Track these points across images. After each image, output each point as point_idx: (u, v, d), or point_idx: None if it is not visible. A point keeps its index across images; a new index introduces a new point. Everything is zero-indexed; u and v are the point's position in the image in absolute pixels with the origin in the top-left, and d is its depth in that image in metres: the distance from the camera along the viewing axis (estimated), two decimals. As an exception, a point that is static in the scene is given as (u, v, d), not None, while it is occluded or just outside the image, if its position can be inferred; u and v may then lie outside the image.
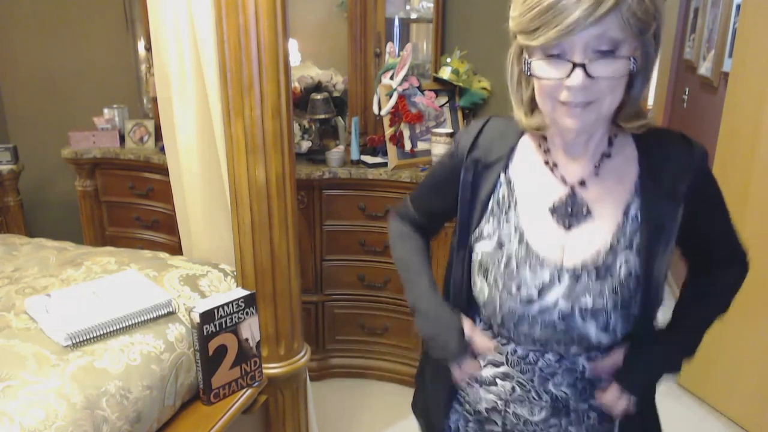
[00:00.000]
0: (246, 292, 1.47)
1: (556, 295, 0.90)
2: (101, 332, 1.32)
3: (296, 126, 2.58)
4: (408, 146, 2.42)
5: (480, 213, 0.97)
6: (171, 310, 1.46)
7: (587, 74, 0.78)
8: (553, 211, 0.93)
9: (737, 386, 2.37)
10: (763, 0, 2.16)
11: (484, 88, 2.61)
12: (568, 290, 0.90)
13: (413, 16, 2.72)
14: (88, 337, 1.30)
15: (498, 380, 1.01)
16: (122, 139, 2.84)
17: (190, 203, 1.88)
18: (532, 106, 0.92)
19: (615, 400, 0.94)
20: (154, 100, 2.58)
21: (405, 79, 2.35)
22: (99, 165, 2.79)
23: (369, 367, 2.64)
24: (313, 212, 2.45)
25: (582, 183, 0.92)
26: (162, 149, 2.37)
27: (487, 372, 1.02)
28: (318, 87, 2.63)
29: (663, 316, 1.03)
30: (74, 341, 1.28)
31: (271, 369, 1.60)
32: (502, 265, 0.93)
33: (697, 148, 0.92)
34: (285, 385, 1.64)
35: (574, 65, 0.78)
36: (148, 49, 2.79)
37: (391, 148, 2.40)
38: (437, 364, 1.08)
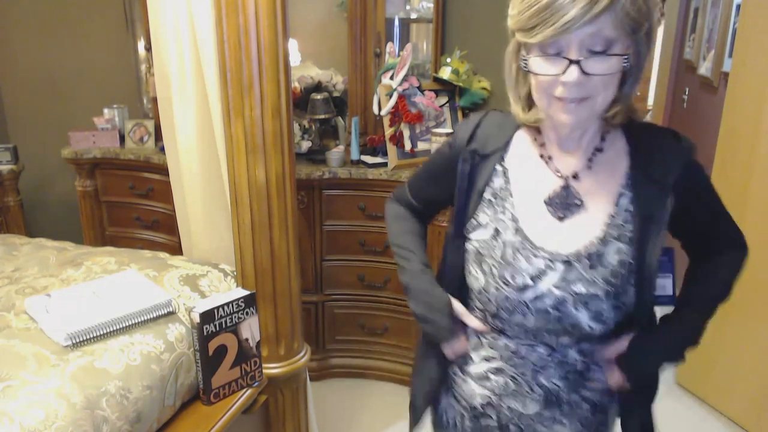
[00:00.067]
0: (246, 292, 1.47)
1: (549, 283, 0.93)
2: (101, 332, 1.32)
3: (296, 126, 2.58)
4: (408, 146, 2.42)
5: (476, 203, 1.00)
6: (171, 310, 1.46)
7: (582, 71, 0.81)
8: (548, 202, 0.96)
9: (737, 386, 2.37)
10: (763, 0, 2.16)
11: (484, 88, 2.61)
12: (561, 278, 0.92)
13: (413, 16, 2.72)
14: (88, 337, 1.30)
15: (491, 375, 1.03)
16: (122, 139, 2.84)
17: (190, 203, 1.88)
18: (529, 102, 0.95)
19: (615, 384, 0.98)
20: (154, 100, 2.58)
21: (405, 79, 2.35)
22: (99, 165, 2.79)
23: (369, 367, 2.64)
24: (313, 212, 2.45)
25: (575, 176, 0.96)
26: (162, 149, 2.37)
27: (480, 367, 1.05)
28: (318, 87, 2.63)
29: (661, 311, 1.04)
30: (74, 341, 1.28)
31: (271, 369, 1.60)
32: (498, 254, 0.96)
33: (685, 142, 0.95)
34: (285, 385, 1.64)
35: (570, 62, 0.82)
36: (148, 49, 2.79)
37: (391, 148, 2.40)
38: (427, 350, 1.12)
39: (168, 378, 1.36)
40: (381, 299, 2.54)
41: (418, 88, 2.41)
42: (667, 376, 2.68)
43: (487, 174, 1.00)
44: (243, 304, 1.45)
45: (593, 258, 0.92)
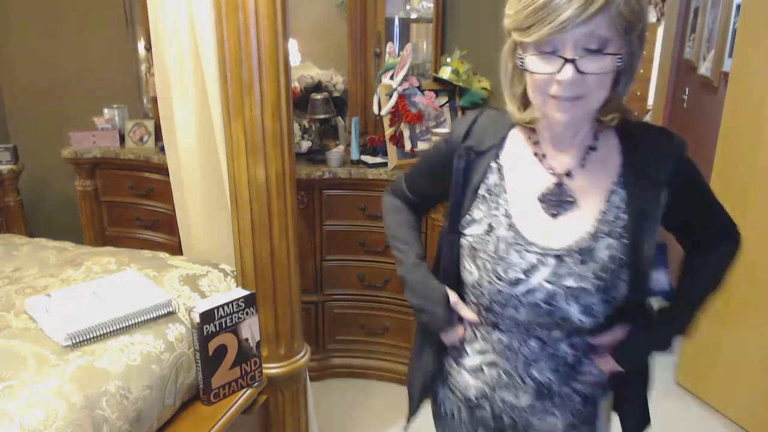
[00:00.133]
0: (246, 292, 1.47)
1: (541, 277, 0.95)
2: (101, 332, 1.32)
3: (296, 126, 2.58)
4: (408, 146, 2.42)
5: (471, 198, 1.02)
6: (171, 310, 1.46)
7: (577, 70, 0.83)
8: (542, 199, 0.98)
9: (737, 386, 2.37)
10: (763, 0, 2.16)
11: (484, 88, 2.61)
12: (552, 273, 0.94)
13: (413, 16, 2.72)
14: (88, 337, 1.30)
15: (485, 368, 1.06)
16: (122, 139, 2.84)
17: (190, 203, 1.88)
18: (524, 101, 0.98)
19: (607, 370, 1.01)
20: (154, 100, 2.58)
21: (405, 79, 2.35)
22: (99, 165, 2.79)
23: (369, 367, 2.64)
24: (313, 212, 2.45)
25: (568, 174, 0.98)
26: (162, 149, 2.37)
27: (474, 360, 1.07)
28: (318, 87, 2.63)
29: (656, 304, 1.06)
30: (74, 341, 1.28)
31: (271, 369, 1.60)
32: (491, 249, 0.98)
33: (676, 139, 0.97)
34: (285, 385, 1.64)
35: (565, 61, 0.83)
36: (148, 49, 2.79)
37: (391, 148, 2.40)
38: (423, 342, 1.16)
39: (168, 378, 1.36)
40: (381, 299, 2.54)
41: (418, 88, 2.41)
42: (667, 375, 2.69)
43: (482, 171, 1.02)
44: (243, 304, 1.45)
45: (584, 253, 0.94)
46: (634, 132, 0.98)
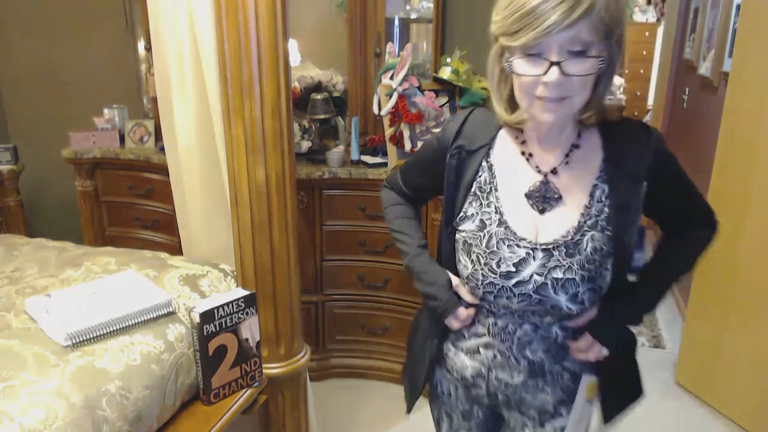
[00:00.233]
0: (246, 292, 1.47)
1: (531, 270, 1.01)
2: (101, 332, 1.32)
3: (296, 126, 2.58)
4: (408, 146, 2.42)
5: (464, 196, 1.08)
6: (171, 310, 1.46)
7: (562, 72, 0.89)
8: (529, 196, 1.04)
9: (737, 386, 2.37)
10: (763, 0, 2.16)
11: (484, 88, 2.60)
12: (541, 265, 1.01)
13: (413, 16, 2.72)
14: (88, 337, 1.30)
15: (481, 349, 1.13)
16: (122, 139, 2.84)
17: (190, 203, 1.88)
18: (511, 103, 1.03)
19: (587, 347, 1.06)
20: (154, 100, 2.58)
21: (405, 79, 2.35)
22: (99, 165, 2.79)
23: (369, 367, 2.64)
24: (313, 212, 2.45)
25: (554, 171, 1.03)
26: (162, 149, 2.37)
27: (471, 342, 1.14)
28: (318, 87, 2.63)
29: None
30: (74, 341, 1.28)
31: (271, 369, 1.60)
32: (484, 244, 1.04)
33: (654, 133, 1.02)
34: (285, 385, 1.64)
35: (551, 63, 0.89)
36: (148, 49, 2.78)
37: (391, 148, 2.40)
38: (431, 328, 1.20)
39: (168, 378, 1.36)
40: (381, 299, 2.54)
41: (418, 88, 2.41)
42: (667, 375, 2.69)
43: (473, 169, 1.08)
44: (243, 304, 1.45)
45: (570, 246, 1.00)
46: (615, 128, 1.03)
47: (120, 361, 1.28)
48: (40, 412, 1.09)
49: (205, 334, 1.39)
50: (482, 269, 1.04)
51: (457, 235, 1.09)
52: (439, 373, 1.24)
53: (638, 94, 5.97)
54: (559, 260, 1.00)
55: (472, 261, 1.05)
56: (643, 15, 6.14)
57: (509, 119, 1.03)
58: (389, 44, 2.45)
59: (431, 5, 2.60)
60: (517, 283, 1.01)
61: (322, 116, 2.59)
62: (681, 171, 1.07)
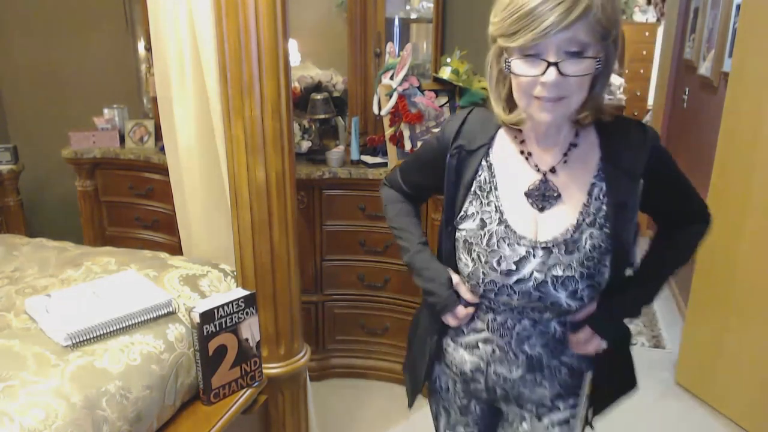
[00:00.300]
0: (246, 292, 1.47)
1: (531, 267, 1.03)
2: (101, 332, 1.32)
3: (296, 126, 2.58)
4: (408, 146, 2.42)
5: (464, 195, 1.09)
6: (171, 310, 1.46)
7: (560, 72, 0.90)
8: (528, 194, 1.05)
9: (737, 386, 2.37)
10: (763, 0, 2.16)
11: (484, 88, 2.60)
12: (541, 263, 1.02)
13: (413, 16, 2.72)
14: (88, 337, 1.30)
15: (480, 344, 1.14)
16: (122, 139, 2.84)
17: (190, 203, 1.88)
18: (509, 104, 1.04)
19: (586, 340, 1.07)
20: (154, 100, 2.58)
21: (405, 79, 2.35)
22: (99, 165, 2.79)
23: (369, 367, 2.64)
24: (313, 212, 2.45)
25: (553, 170, 1.05)
26: (162, 149, 2.37)
27: (471, 338, 1.15)
28: (318, 87, 2.63)
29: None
30: (74, 341, 1.28)
31: (271, 369, 1.60)
32: (485, 242, 1.05)
33: (650, 131, 1.04)
34: (285, 385, 1.64)
35: (549, 64, 0.90)
36: (148, 49, 2.78)
37: (391, 148, 2.40)
38: (432, 325, 1.21)
39: (168, 378, 1.36)
40: (381, 299, 2.54)
41: (418, 88, 2.41)
42: (667, 375, 2.69)
43: (473, 168, 1.09)
44: (243, 304, 1.45)
45: (569, 244, 1.01)
46: (611, 126, 1.04)
47: (120, 361, 1.28)
48: (40, 412, 1.09)
49: (205, 334, 1.39)
50: (483, 267, 1.05)
51: (457, 234, 1.10)
52: (438, 368, 1.26)
53: (638, 94, 5.97)
54: (558, 258, 1.01)
55: (473, 259, 1.06)
56: (643, 15, 6.13)
57: (508, 119, 1.05)
58: (389, 44, 2.45)
59: (431, 5, 2.60)
60: (518, 281, 1.03)
61: (322, 116, 2.59)
62: (676, 168, 1.09)
